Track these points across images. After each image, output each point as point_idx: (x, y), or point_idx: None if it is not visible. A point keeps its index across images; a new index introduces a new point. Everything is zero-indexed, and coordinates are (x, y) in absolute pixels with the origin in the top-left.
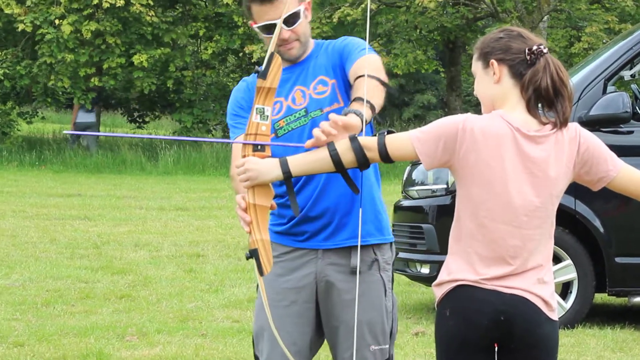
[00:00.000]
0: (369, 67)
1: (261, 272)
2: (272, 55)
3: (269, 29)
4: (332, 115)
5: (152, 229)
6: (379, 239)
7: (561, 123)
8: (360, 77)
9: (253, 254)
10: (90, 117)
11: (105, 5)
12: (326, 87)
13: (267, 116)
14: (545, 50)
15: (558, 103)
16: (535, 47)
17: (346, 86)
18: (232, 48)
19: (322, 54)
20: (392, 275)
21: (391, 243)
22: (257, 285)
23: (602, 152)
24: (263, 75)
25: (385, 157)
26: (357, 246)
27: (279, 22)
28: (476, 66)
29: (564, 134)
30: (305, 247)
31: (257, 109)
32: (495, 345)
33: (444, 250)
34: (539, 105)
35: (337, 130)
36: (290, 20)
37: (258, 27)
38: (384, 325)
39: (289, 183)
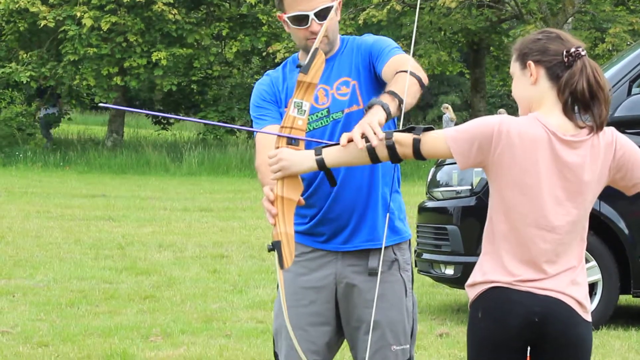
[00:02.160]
0: (408, 65)
1: (282, 265)
2: (316, 50)
3: (300, 20)
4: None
5: (176, 230)
6: (394, 240)
7: (597, 127)
8: (402, 72)
9: (275, 246)
10: (54, 111)
11: None
12: (348, 89)
13: (305, 111)
14: (583, 53)
15: (594, 107)
16: (573, 50)
17: (368, 87)
18: (256, 47)
19: (347, 51)
20: (412, 275)
21: (409, 240)
22: (278, 285)
23: (639, 157)
24: (305, 69)
25: (417, 153)
26: (375, 248)
27: (311, 15)
28: (514, 67)
29: (600, 139)
30: (325, 249)
31: (295, 102)
32: (529, 347)
33: (468, 252)
34: (576, 108)
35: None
36: (322, 14)
37: (288, 17)
38: (405, 325)
39: (325, 170)
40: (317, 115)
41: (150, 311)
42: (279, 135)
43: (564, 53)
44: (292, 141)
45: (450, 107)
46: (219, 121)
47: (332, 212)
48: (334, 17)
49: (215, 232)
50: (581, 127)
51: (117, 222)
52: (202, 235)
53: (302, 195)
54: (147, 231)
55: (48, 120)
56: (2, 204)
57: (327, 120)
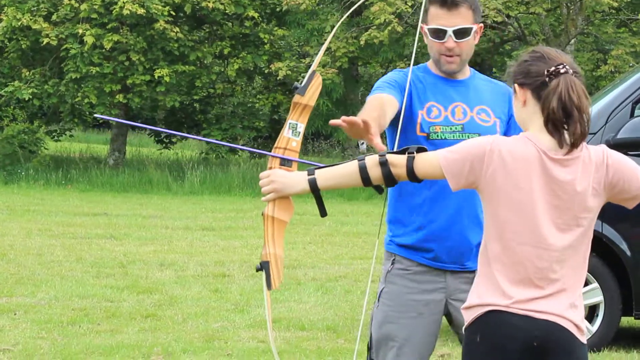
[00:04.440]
0: None
1: (269, 286)
2: (313, 73)
3: (438, 33)
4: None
5: (177, 249)
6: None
7: (572, 145)
8: None
9: (264, 266)
10: None
11: (126, 12)
12: (489, 118)
13: (299, 132)
14: (562, 70)
15: (570, 125)
16: (552, 68)
17: (502, 132)
18: (258, 66)
19: (483, 84)
20: None
21: None
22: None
23: (633, 170)
24: (302, 91)
25: (411, 174)
26: None
27: (449, 31)
28: (512, 90)
29: (592, 157)
30: (432, 266)
31: (290, 124)
32: None
33: None
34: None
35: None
36: (461, 33)
37: (428, 29)
38: None
39: (316, 194)
40: (450, 128)
41: (152, 330)
42: (272, 156)
43: (545, 72)
44: (284, 162)
45: None
46: (221, 140)
47: (443, 232)
48: (471, 40)
49: (217, 251)
50: (562, 147)
51: (119, 240)
52: (203, 254)
53: (413, 206)
54: (149, 250)
55: None
56: (4, 221)
57: (460, 136)
